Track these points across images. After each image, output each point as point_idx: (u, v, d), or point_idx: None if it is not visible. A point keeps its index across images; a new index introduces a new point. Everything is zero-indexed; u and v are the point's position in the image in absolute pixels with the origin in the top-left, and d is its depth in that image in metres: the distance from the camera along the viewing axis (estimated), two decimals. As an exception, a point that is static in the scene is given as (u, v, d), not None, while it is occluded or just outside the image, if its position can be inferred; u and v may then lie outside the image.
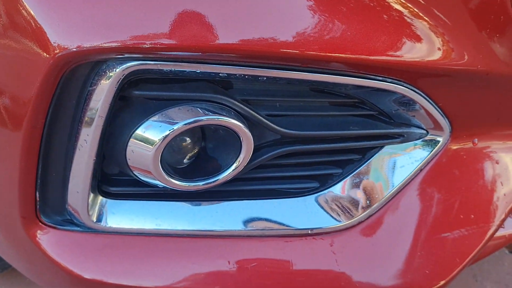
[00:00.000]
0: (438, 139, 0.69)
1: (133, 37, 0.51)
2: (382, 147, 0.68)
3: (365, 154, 0.69)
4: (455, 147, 0.70)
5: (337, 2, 0.54)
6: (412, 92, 0.61)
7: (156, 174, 0.59)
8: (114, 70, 0.54)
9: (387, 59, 0.56)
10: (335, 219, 0.68)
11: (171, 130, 0.57)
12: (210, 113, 0.58)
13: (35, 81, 0.54)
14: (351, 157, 0.68)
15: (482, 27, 0.60)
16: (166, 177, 0.60)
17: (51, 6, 0.53)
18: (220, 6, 0.53)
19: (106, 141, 0.60)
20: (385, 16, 0.54)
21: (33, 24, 0.53)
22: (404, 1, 0.54)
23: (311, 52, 0.54)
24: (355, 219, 0.68)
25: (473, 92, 0.65)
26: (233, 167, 0.61)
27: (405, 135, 0.68)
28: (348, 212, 0.68)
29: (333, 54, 0.55)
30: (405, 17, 0.55)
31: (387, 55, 0.56)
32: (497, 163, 0.72)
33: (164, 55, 0.53)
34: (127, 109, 0.60)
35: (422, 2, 0.55)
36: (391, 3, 0.54)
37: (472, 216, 0.69)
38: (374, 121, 0.67)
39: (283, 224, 0.68)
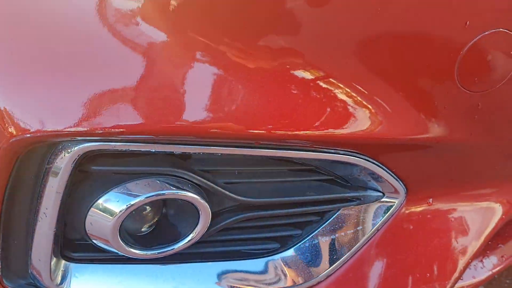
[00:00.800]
0: (394, 200, 0.71)
1: (85, 123, 0.52)
2: (339, 209, 0.70)
3: (324, 215, 0.70)
4: (411, 208, 0.72)
5: (286, 99, 0.56)
6: (364, 161, 0.63)
7: (114, 244, 0.60)
8: (70, 150, 0.55)
9: (337, 133, 0.58)
10: (294, 279, 0.69)
11: (129, 205, 0.58)
12: (168, 186, 0.60)
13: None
14: (309, 219, 0.70)
15: (431, 99, 0.62)
16: (126, 247, 0.61)
17: (4, 91, 0.54)
18: (170, 90, 0.54)
19: (67, 211, 0.61)
20: (330, 104, 0.56)
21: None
22: (349, 90, 0.56)
23: (267, 132, 0.56)
24: (314, 279, 0.69)
25: (425, 157, 0.68)
26: (189, 237, 0.62)
27: (362, 198, 0.70)
28: (307, 272, 0.69)
29: (285, 132, 0.56)
30: (350, 101, 0.57)
31: (336, 130, 0.58)
32: (452, 222, 0.74)
33: (118, 138, 0.54)
34: (86, 182, 0.61)
35: (365, 92, 0.57)
36: (337, 94, 0.56)
37: (428, 274, 0.71)
38: (331, 185, 0.69)
39: (246, 285, 0.69)
